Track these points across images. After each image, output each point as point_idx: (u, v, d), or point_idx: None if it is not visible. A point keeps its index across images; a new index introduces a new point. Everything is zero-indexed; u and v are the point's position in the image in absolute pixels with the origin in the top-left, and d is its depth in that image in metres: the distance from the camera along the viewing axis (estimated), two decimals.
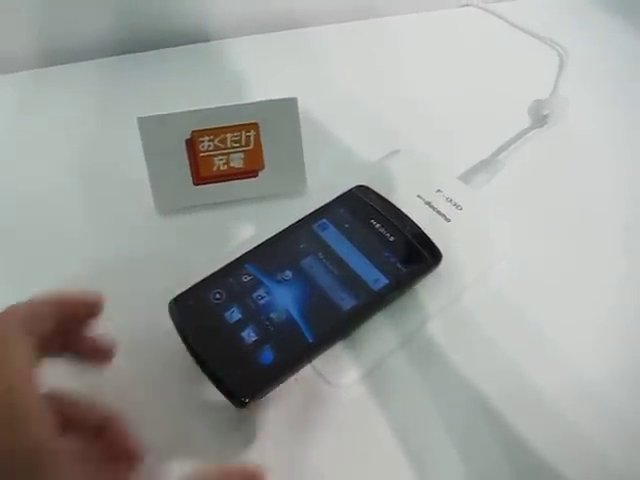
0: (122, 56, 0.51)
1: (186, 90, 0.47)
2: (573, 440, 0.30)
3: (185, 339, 0.30)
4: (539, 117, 0.46)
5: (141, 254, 0.37)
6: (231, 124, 0.37)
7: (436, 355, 0.33)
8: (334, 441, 0.30)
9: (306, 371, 0.31)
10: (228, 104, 0.37)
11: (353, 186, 0.38)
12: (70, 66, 0.50)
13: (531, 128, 0.45)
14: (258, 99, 0.38)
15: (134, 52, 0.51)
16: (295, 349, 0.30)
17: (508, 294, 0.35)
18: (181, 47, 0.51)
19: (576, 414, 0.31)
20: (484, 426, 0.31)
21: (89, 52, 0.50)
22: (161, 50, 0.51)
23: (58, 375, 0.28)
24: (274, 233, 0.35)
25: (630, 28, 0.53)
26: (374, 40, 0.53)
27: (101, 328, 0.33)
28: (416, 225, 0.35)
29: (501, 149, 0.43)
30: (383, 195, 0.37)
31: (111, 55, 0.51)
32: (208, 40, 0.52)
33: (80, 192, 0.41)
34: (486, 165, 0.42)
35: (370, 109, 0.45)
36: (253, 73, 0.49)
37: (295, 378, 0.30)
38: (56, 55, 0.50)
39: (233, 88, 0.48)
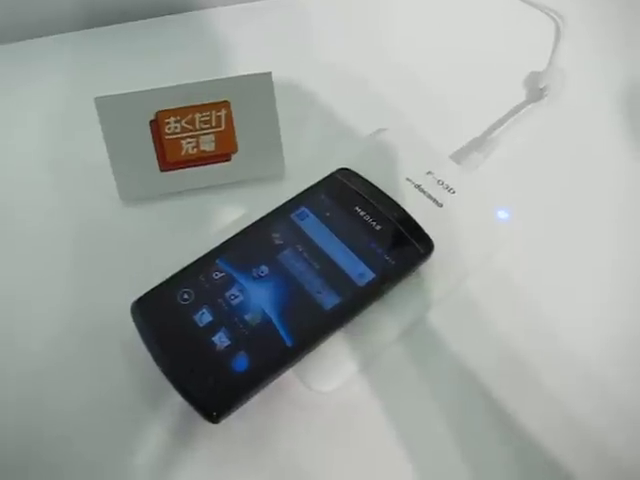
0: (84, 31, 0.47)
1: (154, 67, 0.43)
2: (574, 426, 0.29)
3: (149, 345, 0.28)
4: (536, 90, 0.43)
5: (103, 248, 0.34)
6: (200, 103, 0.34)
7: (431, 353, 0.31)
8: (318, 451, 0.28)
9: (286, 377, 0.28)
10: (195, 81, 0.34)
11: (335, 169, 0.35)
12: (28, 42, 0.46)
13: (527, 102, 0.42)
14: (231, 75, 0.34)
15: (97, 26, 0.47)
16: (272, 354, 0.27)
17: (508, 281, 0.33)
18: (149, 20, 0.48)
19: (578, 401, 0.29)
20: (485, 416, 0.29)
21: (48, 27, 0.46)
22: (127, 24, 0.47)
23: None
24: (248, 224, 0.32)
25: None
26: (359, 9, 0.49)
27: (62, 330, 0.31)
28: (405, 212, 0.32)
29: (496, 125, 0.40)
30: (368, 179, 0.34)
31: (72, 30, 0.47)
32: (178, 12, 0.48)
33: (39, 181, 0.38)
34: (480, 143, 0.39)
35: (354, 84, 0.42)
36: (227, 47, 0.45)
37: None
38: (13, 31, 0.46)
39: (206, 64, 0.44)
